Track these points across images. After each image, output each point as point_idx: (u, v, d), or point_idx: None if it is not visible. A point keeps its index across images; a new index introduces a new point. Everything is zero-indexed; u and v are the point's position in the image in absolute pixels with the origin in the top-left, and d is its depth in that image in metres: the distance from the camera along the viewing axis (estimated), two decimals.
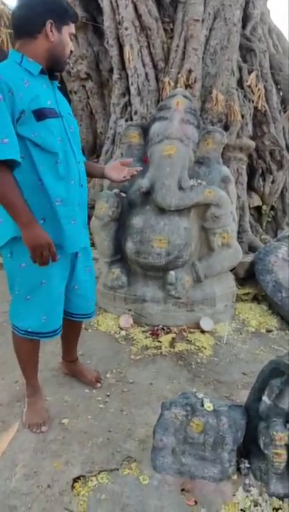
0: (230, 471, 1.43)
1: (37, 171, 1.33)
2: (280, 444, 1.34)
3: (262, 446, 1.38)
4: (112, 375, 2.06)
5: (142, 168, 1.82)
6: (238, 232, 3.39)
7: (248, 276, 2.91)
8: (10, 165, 1.24)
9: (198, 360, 2.17)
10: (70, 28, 1.39)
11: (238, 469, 1.46)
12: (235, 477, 1.44)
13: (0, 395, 1.87)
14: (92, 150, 4.78)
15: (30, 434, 1.63)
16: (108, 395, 1.91)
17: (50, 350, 2.21)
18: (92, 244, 3.20)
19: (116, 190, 2.64)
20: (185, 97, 2.61)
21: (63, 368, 2.04)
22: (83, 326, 2.45)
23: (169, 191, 2.36)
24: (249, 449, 1.49)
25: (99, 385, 1.96)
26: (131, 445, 1.61)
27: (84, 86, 4.64)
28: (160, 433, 1.46)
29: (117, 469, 1.46)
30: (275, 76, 3.81)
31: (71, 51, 1.42)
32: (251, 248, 3.34)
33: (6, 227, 1.38)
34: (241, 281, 2.95)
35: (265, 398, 1.43)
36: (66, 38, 1.38)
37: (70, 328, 1.81)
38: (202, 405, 1.45)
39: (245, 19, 3.86)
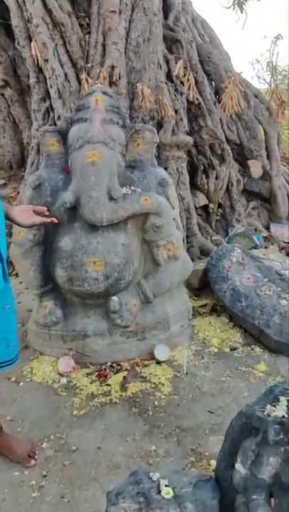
0: None
1: None
2: None
3: None
4: (49, 443, 1.64)
5: (56, 221, 1.60)
6: (187, 236, 3.09)
7: (202, 286, 2.60)
8: None
9: (156, 403, 1.80)
10: None
11: None
12: None
13: None
14: (20, 163, 4.31)
15: None
16: (45, 476, 1.49)
17: None
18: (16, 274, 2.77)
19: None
20: (105, 93, 2.25)
21: None
22: (14, 378, 2.02)
23: (98, 204, 1.98)
24: None
25: (33, 462, 1.55)
26: None
27: (3, 94, 4.23)
28: None
29: None
30: (205, 66, 3.59)
31: None
32: (203, 252, 3.06)
33: None
34: (196, 292, 2.64)
35: (238, 466, 1.09)
36: None
37: None
38: (159, 491, 1.08)
39: (166, 9, 3.62)
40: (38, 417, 1.76)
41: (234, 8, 5.35)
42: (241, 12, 5.32)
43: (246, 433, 1.11)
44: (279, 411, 1.07)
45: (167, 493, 1.07)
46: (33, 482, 1.46)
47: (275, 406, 1.10)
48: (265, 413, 1.09)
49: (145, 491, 1.08)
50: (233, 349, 2.16)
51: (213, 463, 1.45)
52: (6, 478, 1.48)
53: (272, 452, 1.06)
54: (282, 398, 1.11)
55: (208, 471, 1.42)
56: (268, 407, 1.10)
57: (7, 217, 1.44)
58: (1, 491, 1.43)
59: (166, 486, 1.09)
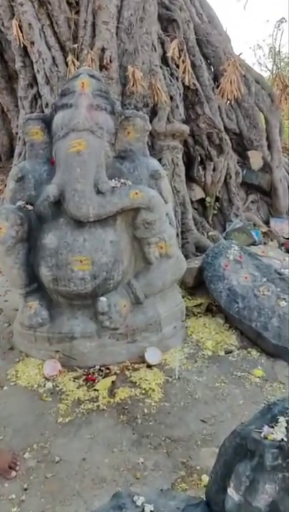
0: None
1: None
2: None
3: None
4: (32, 453, 1.55)
5: None
6: (182, 232, 2.96)
7: (197, 284, 2.49)
8: None
9: (146, 411, 1.70)
10: None
11: None
12: None
13: None
14: (9, 154, 4.14)
15: None
16: (25, 489, 1.41)
17: None
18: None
19: (20, 203, 2.08)
20: (92, 76, 2.09)
21: None
22: None
23: (84, 198, 1.84)
24: None
25: (14, 473, 1.47)
26: None
27: None
28: None
29: None
30: (203, 49, 3.39)
31: None
32: (199, 248, 2.93)
33: None
34: (190, 291, 2.53)
35: (231, 491, 0.98)
36: None
37: None
38: None
39: None
40: (21, 424, 1.67)
41: None
42: None
43: (240, 455, 1.01)
44: (277, 433, 0.96)
45: None
46: (13, 496, 1.37)
47: (273, 427, 0.99)
48: (262, 435, 0.98)
49: None
50: (228, 352, 2.05)
51: (205, 478, 1.36)
52: None
53: (269, 479, 0.95)
54: (281, 419, 0.99)
55: (200, 487, 1.33)
56: (266, 428, 0.99)
57: None
58: None
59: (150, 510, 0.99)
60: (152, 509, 1.02)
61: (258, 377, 1.87)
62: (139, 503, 1.04)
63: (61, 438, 1.60)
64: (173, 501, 1.09)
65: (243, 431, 1.03)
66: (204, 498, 1.11)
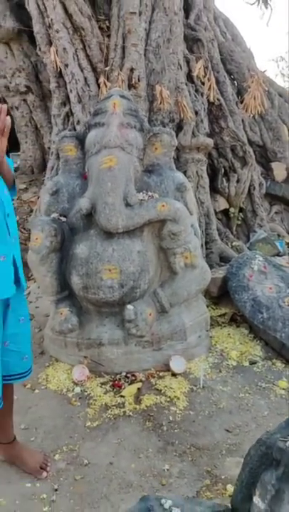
0: None
1: None
2: None
3: None
4: (62, 455, 1.61)
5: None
6: (206, 242, 3.00)
7: (222, 294, 2.51)
8: None
9: (171, 418, 1.74)
10: None
11: None
12: None
13: None
14: (42, 167, 4.36)
15: None
16: (56, 490, 1.47)
17: None
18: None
19: (54, 215, 2.20)
20: (122, 97, 2.21)
21: None
22: (29, 385, 2.01)
23: (114, 210, 1.94)
24: None
25: (45, 474, 1.53)
26: None
27: (25, 100, 4.31)
28: None
29: None
30: (227, 66, 3.48)
31: None
32: (223, 258, 2.96)
33: None
34: (215, 301, 2.55)
35: (257, 500, 1.01)
36: None
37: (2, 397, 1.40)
38: None
39: (187, 8, 3.54)
40: (51, 427, 1.75)
41: (258, 3, 5.17)
42: (266, 7, 5.14)
43: (266, 464, 1.03)
44: None
45: None
46: (44, 496, 1.43)
47: None
48: (288, 444, 1.00)
49: None
50: (252, 363, 2.06)
51: (230, 488, 1.37)
52: (17, 489, 1.46)
53: None
54: None
55: (224, 497, 1.35)
56: None
57: None
58: (13, 503, 1.41)
59: None
60: None
61: (283, 388, 1.87)
62: (166, 506, 1.08)
63: (89, 442, 1.66)
64: (199, 507, 1.12)
65: (269, 440, 1.06)
66: (230, 507, 1.13)
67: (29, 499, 1.43)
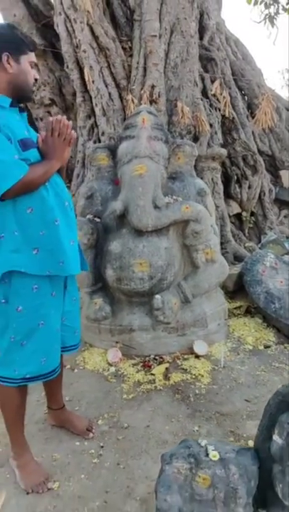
0: None
1: (30, 197, 1.34)
2: None
3: (280, 495, 1.21)
4: (104, 420, 1.87)
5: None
6: (221, 243, 3.28)
7: (237, 289, 2.78)
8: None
9: (197, 391, 1.99)
10: (29, 57, 1.41)
11: None
12: None
13: None
14: (67, 174, 4.66)
15: (18, 507, 1.43)
16: (102, 446, 1.72)
17: (34, 400, 2.00)
18: None
19: (90, 216, 2.49)
20: (150, 113, 2.51)
21: (50, 419, 1.85)
22: (69, 366, 2.28)
23: (144, 212, 2.22)
24: (265, 495, 1.31)
25: (91, 434, 1.78)
26: (132, 506, 1.41)
27: (49, 112, 4.60)
28: (163, 492, 1.27)
29: None
30: (238, 82, 3.80)
31: (36, 79, 1.43)
32: (237, 258, 3.23)
33: None
34: (231, 295, 2.82)
35: (276, 437, 1.26)
36: (26, 67, 1.40)
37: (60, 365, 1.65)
38: (207, 454, 1.28)
39: (202, 30, 3.87)
40: (92, 398, 2.01)
41: (265, 23, 5.52)
42: (272, 26, 5.48)
43: (283, 409, 1.29)
44: None
45: (214, 456, 1.26)
46: (93, 451, 1.68)
47: None
48: None
49: (195, 454, 1.28)
50: (266, 347, 2.31)
51: (251, 443, 1.62)
52: (68, 447, 1.72)
53: None
54: None
55: None
56: None
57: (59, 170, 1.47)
58: (66, 457, 1.67)
59: (213, 450, 1.29)
60: (213, 448, 1.31)
61: None
62: (203, 444, 1.34)
63: (127, 410, 1.92)
64: (228, 446, 1.37)
65: (284, 390, 1.32)
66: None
67: (80, 454, 1.68)
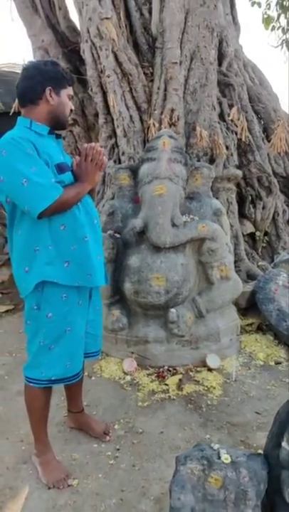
0: None
1: (64, 215, 1.49)
2: None
3: (288, 500, 1.29)
4: (120, 425, 1.97)
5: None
6: (235, 261, 3.37)
7: (249, 306, 2.87)
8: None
9: (209, 402, 2.09)
10: (67, 91, 1.58)
11: None
12: None
13: (5, 456, 1.78)
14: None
15: (40, 500, 1.54)
16: (118, 449, 1.82)
17: (55, 403, 2.12)
18: None
19: (110, 232, 2.65)
20: (170, 137, 2.69)
21: (69, 422, 1.96)
22: (87, 373, 2.40)
23: (163, 229, 2.37)
24: (274, 500, 1.39)
25: (108, 437, 1.88)
26: (146, 505, 1.51)
27: (71, 131, 4.83)
28: (177, 491, 1.37)
29: None
30: (255, 107, 3.97)
31: (71, 110, 1.59)
32: (250, 276, 3.33)
33: (31, 276, 1.49)
34: (243, 312, 2.91)
35: (285, 444, 1.36)
36: (65, 99, 1.56)
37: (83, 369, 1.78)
38: (219, 457, 1.38)
39: (221, 57, 4.07)
40: (109, 405, 2.12)
41: (282, 47, 5.73)
42: None
43: None
44: None
45: (226, 458, 1.36)
46: (109, 453, 1.79)
47: None
48: None
49: (208, 456, 1.38)
50: (277, 363, 2.39)
51: (261, 452, 1.70)
52: (87, 448, 1.83)
53: None
54: None
55: None
56: None
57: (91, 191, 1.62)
58: (84, 457, 1.78)
59: (224, 453, 1.38)
60: (225, 452, 1.41)
61: None
62: (215, 447, 1.43)
63: (142, 417, 2.02)
64: (239, 451, 1.47)
65: None
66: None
67: (97, 455, 1.79)
